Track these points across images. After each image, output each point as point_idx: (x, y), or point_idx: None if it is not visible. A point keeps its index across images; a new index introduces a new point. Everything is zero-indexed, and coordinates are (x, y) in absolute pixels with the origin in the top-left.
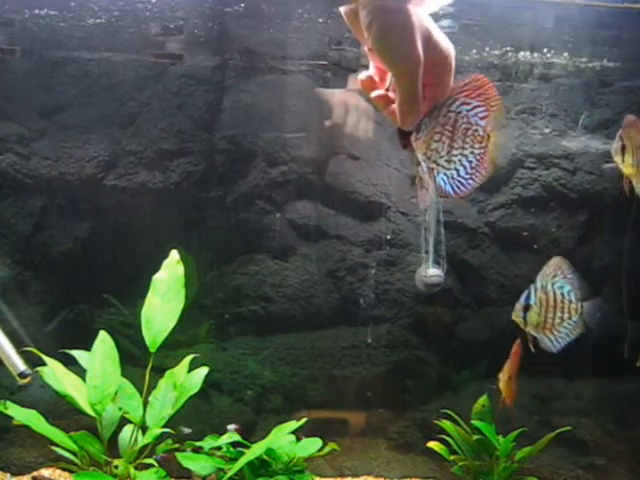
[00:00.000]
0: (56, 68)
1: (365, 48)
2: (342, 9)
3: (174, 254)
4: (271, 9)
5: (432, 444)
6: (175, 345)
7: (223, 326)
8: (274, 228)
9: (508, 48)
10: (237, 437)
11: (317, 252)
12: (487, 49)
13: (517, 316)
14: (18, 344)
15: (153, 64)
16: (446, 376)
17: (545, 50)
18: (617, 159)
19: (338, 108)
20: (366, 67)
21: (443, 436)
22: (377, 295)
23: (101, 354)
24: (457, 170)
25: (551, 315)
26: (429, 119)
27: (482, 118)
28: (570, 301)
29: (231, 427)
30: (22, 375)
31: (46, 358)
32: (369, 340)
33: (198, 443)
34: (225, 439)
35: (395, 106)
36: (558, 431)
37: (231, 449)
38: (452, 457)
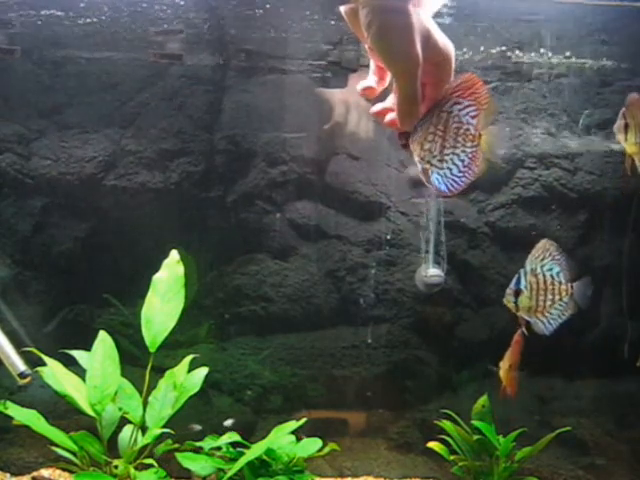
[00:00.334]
0: (56, 68)
1: (365, 47)
2: (342, 8)
3: (174, 254)
4: (271, 9)
5: (432, 444)
6: (175, 345)
7: (223, 326)
8: (274, 228)
9: (508, 48)
10: (237, 437)
11: (317, 252)
12: (487, 49)
13: (508, 301)
14: (18, 344)
15: (153, 64)
16: (446, 376)
17: (545, 50)
18: (620, 137)
19: (338, 108)
20: (366, 67)
21: (443, 436)
22: (377, 295)
23: (101, 354)
24: (450, 169)
25: (542, 298)
26: (423, 120)
27: (473, 117)
28: (560, 282)
29: (228, 422)
30: (22, 375)
31: (46, 358)
32: (369, 340)
33: (198, 443)
34: (225, 439)
35: (393, 115)
36: (558, 431)
37: (231, 449)
38: (452, 457)
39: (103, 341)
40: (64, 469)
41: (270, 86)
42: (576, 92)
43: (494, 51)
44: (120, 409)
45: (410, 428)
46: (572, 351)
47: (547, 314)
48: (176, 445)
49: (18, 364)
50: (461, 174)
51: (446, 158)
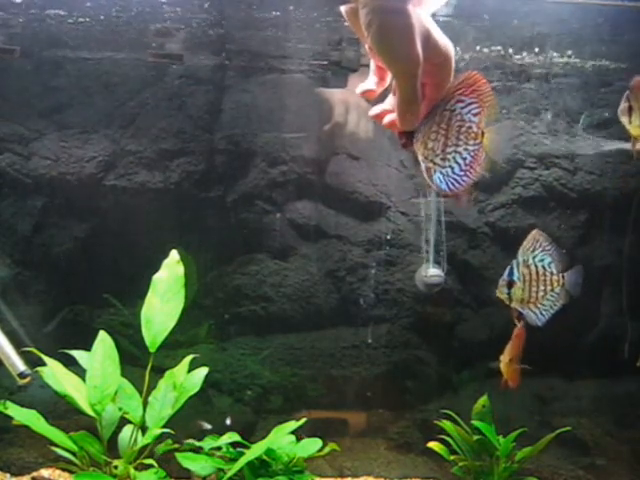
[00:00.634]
0: (56, 68)
1: (366, 47)
2: (342, 8)
3: (174, 254)
4: (271, 9)
5: (432, 444)
6: (175, 345)
7: (223, 326)
8: (274, 228)
9: (508, 48)
10: (237, 437)
11: (317, 252)
12: (487, 49)
13: (501, 293)
14: (18, 344)
15: (153, 64)
16: (446, 376)
17: (545, 50)
18: (624, 119)
19: (338, 108)
20: (366, 67)
21: (443, 436)
22: (377, 295)
23: (101, 354)
24: (452, 167)
25: (534, 289)
26: (426, 119)
27: (475, 115)
28: (552, 273)
29: (227, 421)
30: (22, 375)
31: (46, 358)
32: (369, 340)
33: (198, 443)
34: (225, 439)
35: (392, 116)
36: (558, 431)
37: (231, 449)
38: (452, 457)
39: (103, 341)
40: (64, 469)
41: (270, 86)
42: (576, 92)
43: (494, 51)
44: (120, 409)
45: (410, 428)
46: (572, 351)
47: (539, 305)
48: (177, 445)
49: (18, 364)
50: (462, 173)
51: (448, 157)
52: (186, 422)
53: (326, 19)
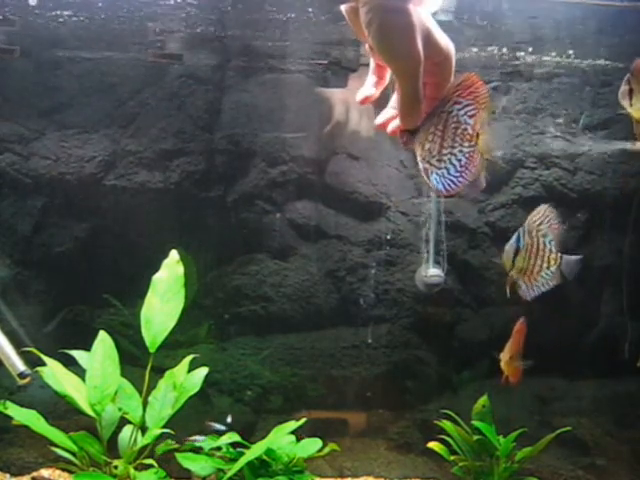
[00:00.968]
0: (56, 68)
1: (366, 47)
2: (343, 7)
3: (174, 254)
4: (271, 9)
5: (432, 444)
6: (175, 345)
7: (223, 326)
8: (274, 228)
9: (508, 48)
10: (237, 437)
11: (317, 252)
12: (487, 48)
13: (508, 259)
14: (18, 344)
15: (153, 64)
16: (446, 376)
17: (545, 50)
18: (624, 103)
19: (338, 108)
20: (366, 66)
21: (443, 436)
22: (377, 295)
23: (101, 354)
24: (447, 169)
25: (532, 262)
26: (425, 121)
27: (471, 117)
28: (550, 250)
29: (227, 420)
30: (22, 375)
31: (46, 358)
32: (369, 340)
33: (198, 443)
34: (225, 439)
35: (396, 123)
36: (558, 431)
37: (231, 449)
38: (452, 457)
39: (103, 341)
40: (64, 469)
41: (270, 86)
42: (576, 92)
43: (494, 51)
44: (120, 409)
45: (410, 428)
46: (573, 351)
47: (533, 279)
48: (177, 445)
49: (18, 364)
50: (458, 174)
51: (444, 158)
52: (186, 422)
53: (326, 19)
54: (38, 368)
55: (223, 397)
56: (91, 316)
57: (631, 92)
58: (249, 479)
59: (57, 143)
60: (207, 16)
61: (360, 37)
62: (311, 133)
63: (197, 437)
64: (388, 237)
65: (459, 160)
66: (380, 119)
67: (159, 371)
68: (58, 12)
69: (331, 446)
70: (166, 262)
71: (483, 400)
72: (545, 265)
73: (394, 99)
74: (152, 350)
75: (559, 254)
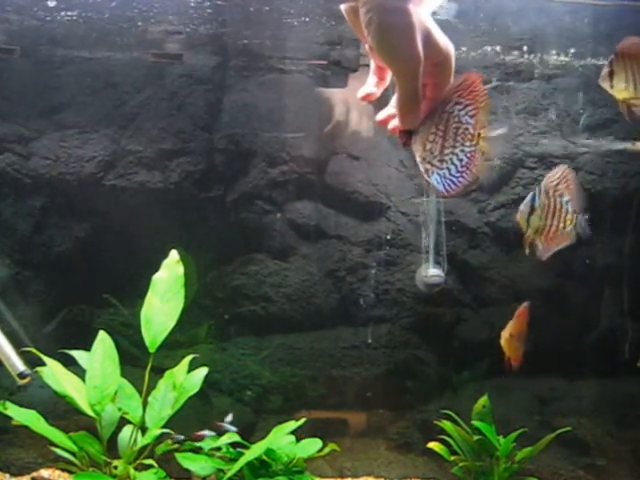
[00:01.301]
0: (56, 68)
1: (366, 47)
2: (343, 7)
3: (174, 254)
4: (271, 8)
5: (432, 445)
6: (175, 345)
7: (223, 326)
8: (274, 228)
9: (508, 48)
10: (237, 437)
11: (317, 252)
12: (487, 48)
13: (522, 218)
14: (17, 344)
15: (153, 64)
16: (446, 376)
17: (545, 49)
18: (605, 85)
19: (338, 108)
20: (366, 66)
21: (443, 437)
22: (377, 295)
23: (101, 354)
24: (449, 169)
25: (549, 222)
26: (425, 121)
27: (472, 117)
28: (567, 211)
29: (228, 418)
30: (21, 375)
31: (45, 358)
32: (369, 340)
33: (198, 444)
34: (225, 439)
35: (396, 121)
36: (559, 431)
37: (231, 449)
38: (452, 458)
39: (103, 341)
40: (64, 469)
41: (270, 86)
42: (576, 92)
43: (494, 51)
44: (120, 409)
45: (410, 428)
46: (573, 351)
47: (549, 240)
48: (176, 445)
49: (18, 364)
50: (459, 174)
51: (446, 158)
52: (186, 422)
53: (326, 18)
54: (38, 368)
55: (223, 397)
56: (91, 316)
57: (612, 74)
58: (249, 479)
59: (57, 143)
60: (207, 16)
61: (360, 37)
62: (311, 133)
63: (206, 432)
64: (388, 237)
65: (460, 160)
66: (381, 115)
67: (159, 371)
68: (58, 12)
69: (331, 446)
70: (166, 262)
71: (483, 400)
72: (562, 225)
73: (393, 100)
74: (152, 350)
75: (575, 215)
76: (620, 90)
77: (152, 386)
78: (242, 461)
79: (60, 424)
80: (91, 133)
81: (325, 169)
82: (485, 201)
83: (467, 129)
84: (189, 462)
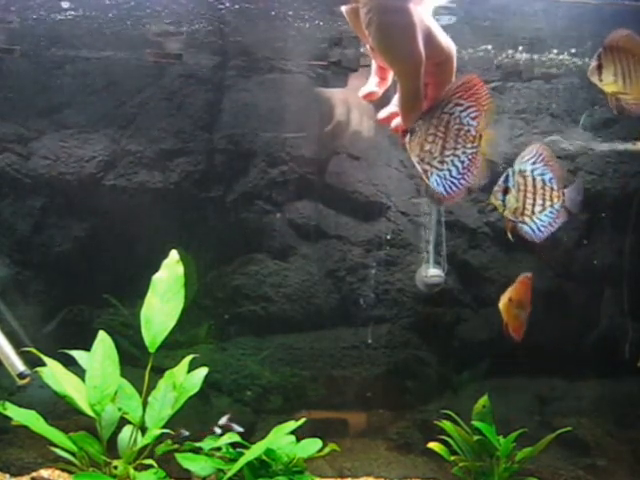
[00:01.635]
0: (56, 68)
1: (367, 47)
2: (343, 8)
3: (173, 254)
4: (271, 8)
5: (432, 445)
6: (175, 345)
7: (223, 326)
8: (274, 228)
9: (508, 47)
10: (236, 437)
11: (317, 252)
12: (487, 48)
13: (496, 199)
14: (17, 344)
15: (153, 64)
16: (446, 376)
17: (545, 49)
18: (593, 79)
19: (338, 108)
20: (367, 67)
21: (443, 437)
22: (377, 295)
23: (100, 354)
24: (449, 170)
25: (530, 202)
26: (422, 121)
27: (474, 118)
28: (552, 188)
29: (223, 420)
30: (21, 375)
31: (45, 358)
32: (369, 340)
33: (198, 444)
34: (224, 440)
35: (399, 119)
36: (559, 432)
37: (230, 450)
38: (452, 458)
39: (103, 341)
40: (63, 469)
41: (270, 86)
42: (576, 92)
43: (494, 50)
44: (120, 409)
45: (410, 428)
46: (573, 351)
47: (537, 220)
48: (176, 445)
49: (17, 364)
50: (460, 176)
51: (446, 160)
52: (186, 422)
53: (326, 18)
54: (38, 368)
55: (223, 397)
56: (91, 316)
57: (600, 67)
58: (249, 479)
59: (57, 143)
60: (207, 16)
61: (361, 38)
62: (311, 133)
63: (215, 429)
64: (388, 237)
65: (462, 162)
66: (383, 114)
67: (159, 371)
68: (58, 12)
69: (331, 446)
70: (166, 262)
71: (483, 400)
72: (548, 204)
73: (395, 99)
74: (152, 350)
75: (561, 190)
76: (609, 84)
77: (152, 386)
78: (242, 461)
79: (60, 424)
80: (91, 133)
81: (325, 169)
82: (485, 201)
83: (469, 131)
84: (189, 462)
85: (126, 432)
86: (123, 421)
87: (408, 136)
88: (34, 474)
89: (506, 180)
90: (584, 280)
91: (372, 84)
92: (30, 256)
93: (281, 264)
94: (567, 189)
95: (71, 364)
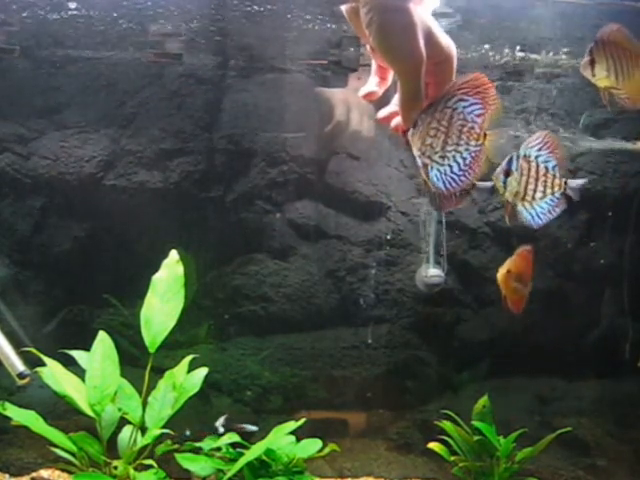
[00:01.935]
0: (56, 68)
1: (367, 47)
2: (343, 8)
3: (173, 254)
4: (271, 8)
5: (432, 445)
6: (175, 345)
7: (223, 326)
8: (274, 228)
9: (509, 47)
10: (236, 437)
11: (317, 252)
12: (487, 48)
13: (497, 180)
14: (17, 344)
15: (153, 64)
16: (446, 376)
17: (545, 49)
18: (586, 74)
19: (338, 108)
20: (367, 66)
21: (443, 437)
22: (377, 295)
23: (100, 354)
24: (450, 166)
25: (532, 187)
26: (425, 114)
27: (478, 116)
28: (554, 176)
29: (220, 421)
30: (21, 376)
31: (45, 358)
32: (369, 340)
33: (198, 444)
34: (224, 440)
35: (399, 119)
36: (559, 432)
37: (230, 450)
38: (452, 458)
39: (102, 341)
40: (63, 470)
41: (270, 85)
42: (576, 92)
43: (494, 50)
44: (120, 409)
45: (410, 429)
46: (573, 351)
47: (536, 206)
48: (176, 445)
49: (17, 364)
50: (461, 173)
51: (448, 155)
52: (186, 422)
53: (326, 18)
54: (37, 368)
55: (223, 397)
56: (91, 316)
57: (593, 62)
58: (249, 479)
59: (57, 143)
60: (207, 16)
61: (361, 37)
62: (311, 133)
63: (219, 429)
64: (388, 237)
65: (464, 158)
66: (383, 113)
67: (159, 371)
68: (58, 12)
69: (331, 446)
70: (166, 262)
71: (483, 400)
72: (549, 191)
73: (396, 98)
74: (152, 350)
75: (563, 180)
76: (602, 78)
77: (152, 386)
78: (242, 461)
79: (60, 424)
80: (91, 133)
81: (325, 169)
82: (485, 201)
83: (473, 128)
84: (189, 462)
85: (126, 432)
86: (123, 421)
87: (411, 129)
88: (34, 474)
89: (509, 163)
90: (584, 280)
91: (372, 84)
92: (30, 256)
93: (281, 264)
94: (570, 180)
95: (71, 364)
